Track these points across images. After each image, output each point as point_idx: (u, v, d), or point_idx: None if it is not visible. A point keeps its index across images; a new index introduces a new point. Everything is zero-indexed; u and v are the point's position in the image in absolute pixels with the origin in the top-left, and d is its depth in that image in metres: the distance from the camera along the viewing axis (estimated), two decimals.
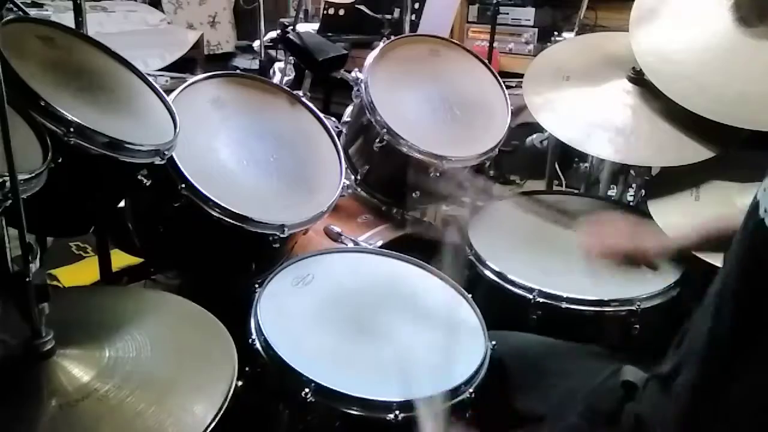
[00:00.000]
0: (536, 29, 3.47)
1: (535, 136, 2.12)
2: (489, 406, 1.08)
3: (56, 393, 0.82)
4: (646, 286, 1.25)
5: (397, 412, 0.97)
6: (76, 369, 0.85)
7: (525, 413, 1.07)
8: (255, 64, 2.92)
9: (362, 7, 2.90)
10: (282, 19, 2.58)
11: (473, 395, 1.04)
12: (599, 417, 0.96)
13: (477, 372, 1.07)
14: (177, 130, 1.21)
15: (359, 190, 1.68)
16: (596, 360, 1.11)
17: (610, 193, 2.06)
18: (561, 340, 1.18)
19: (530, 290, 1.28)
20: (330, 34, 2.94)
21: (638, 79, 1.53)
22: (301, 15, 2.91)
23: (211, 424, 0.81)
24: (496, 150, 1.59)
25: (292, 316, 1.15)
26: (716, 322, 0.78)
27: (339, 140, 1.54)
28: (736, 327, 0.75)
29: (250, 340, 1.08)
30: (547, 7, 3.53)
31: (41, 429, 0.78)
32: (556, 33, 2.41)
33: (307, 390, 0.98)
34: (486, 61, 1.77)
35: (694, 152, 1.40)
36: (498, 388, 1.11)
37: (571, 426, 0.97)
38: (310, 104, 1.57)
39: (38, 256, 0.79)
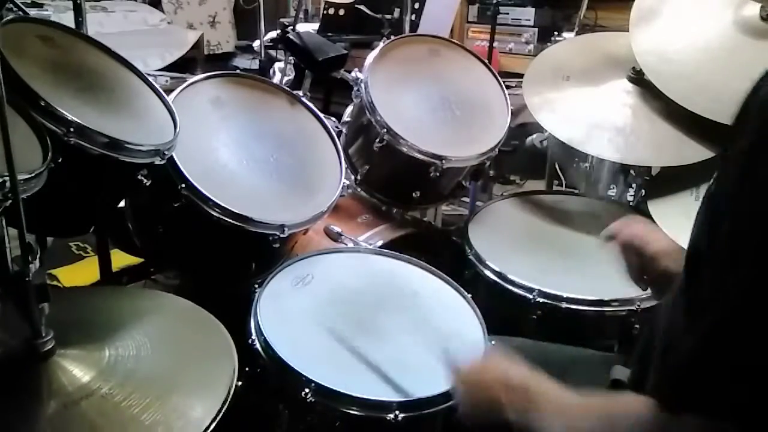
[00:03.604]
0: (536, 29, 3.47)
1: (535, 136, 2.12)
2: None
3: (57, 393, 0.82)
4: None
5: (397, 412, 0.97)
6: (76, 369, 0.85)
7: None
8: (255, 64, 2.92)
9: (362, 7, 2.89)
10: (282, 19, 2.58)
11: None
12: None
13: None
14: (177, 130, 1.21)
15: (359, 190, 1.68)
16: (591, 364, 1.11)
17: (610, 193, 2.06)
18: (556, 344, 1.17)
19: (530, 290, 1.28)
20: (330, 34, 2.93)
21: (638, 79, 1.53)
22: (301, 15, 2.91)
23: (213, 421, 0.81)
24: (496, 150, 1.59)
25: (291, 316, 1.15)
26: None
27: (339, 140, 1.54)
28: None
29: (250, 341, 1.08)
30: (547, 7, 3.53)
31: (42, 429, 0.78)
32: (556, 33, 2.41)
33: (307, 390, 0.98)
34: (486, 61, 1.77)
35: (694, 152, 1.40)
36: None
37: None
38: (310, 104, 1.57)
39: (38, 256, 0.79)
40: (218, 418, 0.82)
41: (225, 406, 0.84)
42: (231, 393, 0.86)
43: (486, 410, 0.80)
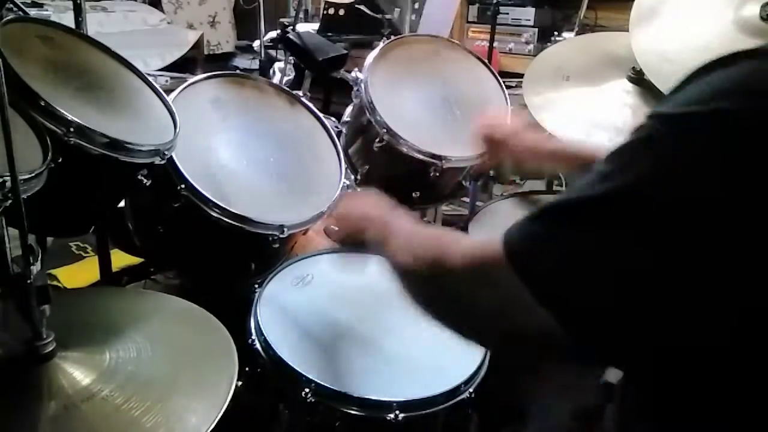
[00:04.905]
0: (536, 29, 3.47)
1: None
2: (489, 406, 1.08)
3: (58, 395, 0.82)
4: None
5: (397, 412, 0.97)
6: (77, 371, 0.85)
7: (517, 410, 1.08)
8: (255, 64, 2.92)
9: (362, 7, 2.89)
10: (282, 19, 2.58)
11: (473, 395, 1.04)
12: (586, 415, 0.97)
13: (477, 372, 1.07)
14: (177, 130, 1.21)
15: (359, 190, 1.68)
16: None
17: None
18: None
19: None
20: (330, 34, 2.93)
21: (638, 79, 1.53)
22: (301, 15, 2.91)
23: (213, 423, 0.81)
24: None
25: (291, 316, 1.15)
26: None
27: (339, 140, 1.54)
28: None
29: (250, 341, 1.08)
30: (547, 7, 3.53)
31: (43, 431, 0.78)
32: (556, 33, 2.41)
33: (307, 390, 0.98)
34: (486, 61, 1.77)
35: None
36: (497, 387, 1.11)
37: (560, 424, 0.98)
38: (310, 104, 1.57)
39: (39, 258, 0.79)
40: (218, 420, 0.82)
41: (224, 408, 0.84)
42: (231, 394, 0.86)
43: (354, 239, 0.93)
